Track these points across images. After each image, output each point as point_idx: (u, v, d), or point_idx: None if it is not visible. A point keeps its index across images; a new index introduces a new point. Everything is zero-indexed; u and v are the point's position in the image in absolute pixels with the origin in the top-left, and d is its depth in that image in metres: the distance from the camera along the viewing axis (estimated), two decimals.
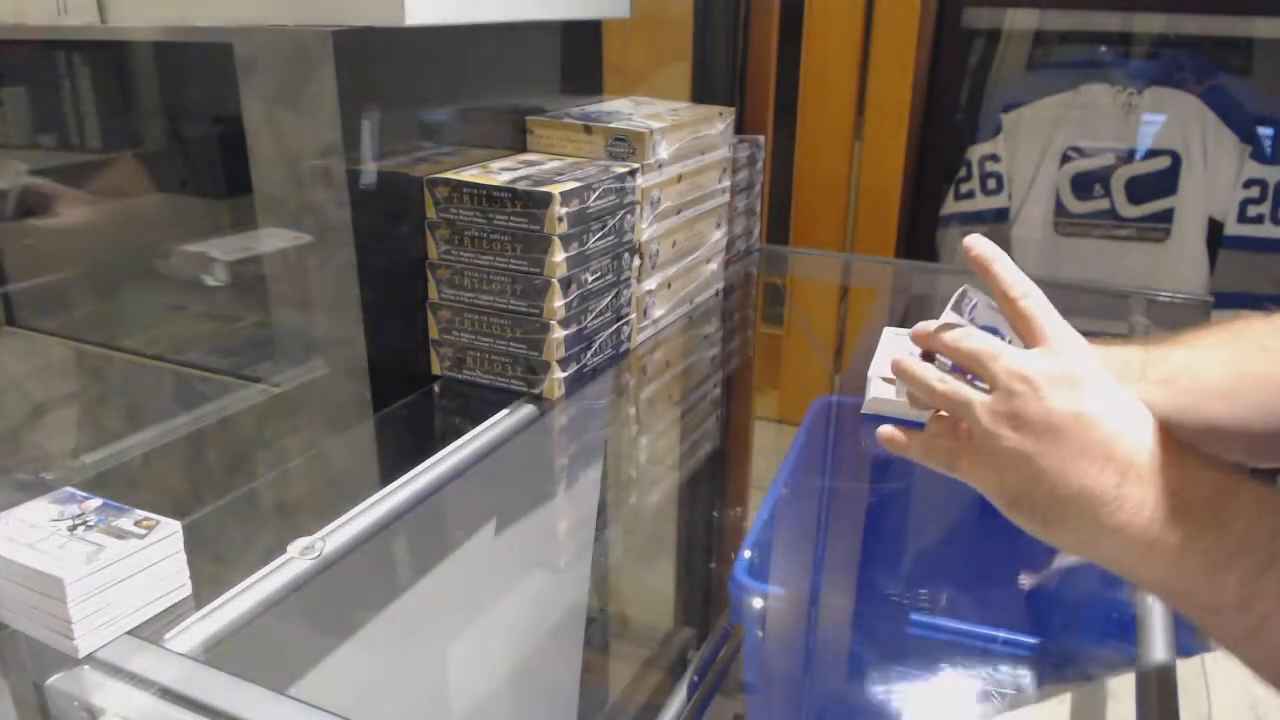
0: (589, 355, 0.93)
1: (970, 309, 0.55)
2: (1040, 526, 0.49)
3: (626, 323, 1.00)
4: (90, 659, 0.53)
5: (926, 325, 0.55)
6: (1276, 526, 0.43)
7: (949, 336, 0.53)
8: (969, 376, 0.53)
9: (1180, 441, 0.49)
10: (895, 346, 0.93)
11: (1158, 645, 0.59)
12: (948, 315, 0.55)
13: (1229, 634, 0.45)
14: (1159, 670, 0.58)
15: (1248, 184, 1.59)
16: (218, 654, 0.56)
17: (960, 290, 0.56)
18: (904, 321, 1.17)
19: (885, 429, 0.56)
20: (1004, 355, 0.50)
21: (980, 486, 0.51)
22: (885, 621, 0.80)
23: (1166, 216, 1.65)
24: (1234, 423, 0.57)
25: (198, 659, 0.55)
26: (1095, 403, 0.48)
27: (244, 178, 0.85)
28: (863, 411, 0.98)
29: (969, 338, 0.52)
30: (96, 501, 0.59)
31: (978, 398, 0.50)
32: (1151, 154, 1.64)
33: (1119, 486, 0.46)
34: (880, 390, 0.94)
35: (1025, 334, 0.52)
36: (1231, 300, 1.62)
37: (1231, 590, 0.43)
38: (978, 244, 0.53)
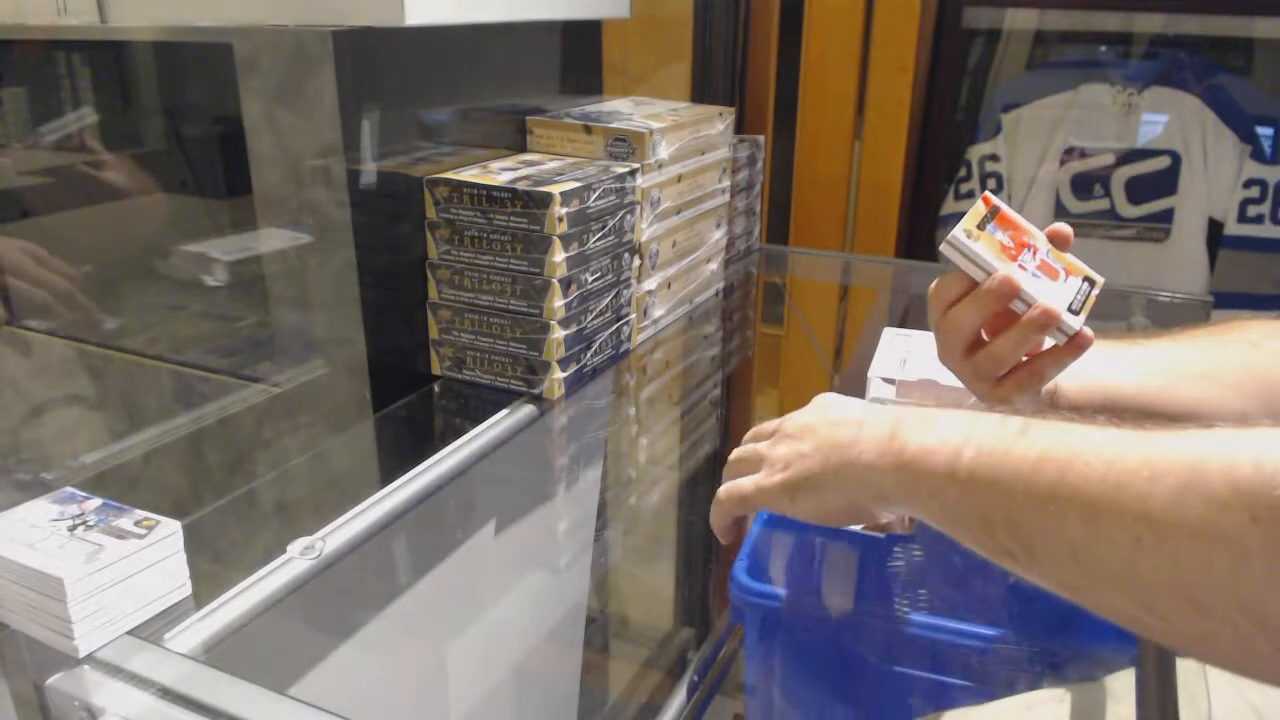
0: (589, 355, 0.93)
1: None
2: (816, 499, 0.56)
3: (626, 323, 1.00)
4: (90, 659, 0.54)
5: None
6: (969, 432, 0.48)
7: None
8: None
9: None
10: (895, 346, 0.93)
11: (1158, 645, 0.59)
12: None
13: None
14: (1159, 671, 0.58)
15: (1248, 184, 1.59)
16: (218, 654, 0.56)
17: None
18: (904, 321, 1.17)
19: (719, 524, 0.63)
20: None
21: (772, 496, 0.58)
22: (885, 621, 0.80)
23: (1166, 216, 1.65)
24: (1216, 408, 0.57)
25: (198, 659, 0.55)
26: (838, 408, 0.59)
27: (244, 178, 0.85)
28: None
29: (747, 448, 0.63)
30: (96, 501, 0.59)
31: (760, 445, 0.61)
32: (1151, 154, 1.64)
33: (859, 428, 0.54)
34: (880, 390, 0.94)
35: None
36: (1231, 300, 1.62)
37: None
38: None
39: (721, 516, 0.62)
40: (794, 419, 0.59)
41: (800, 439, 0.58)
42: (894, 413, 0.54)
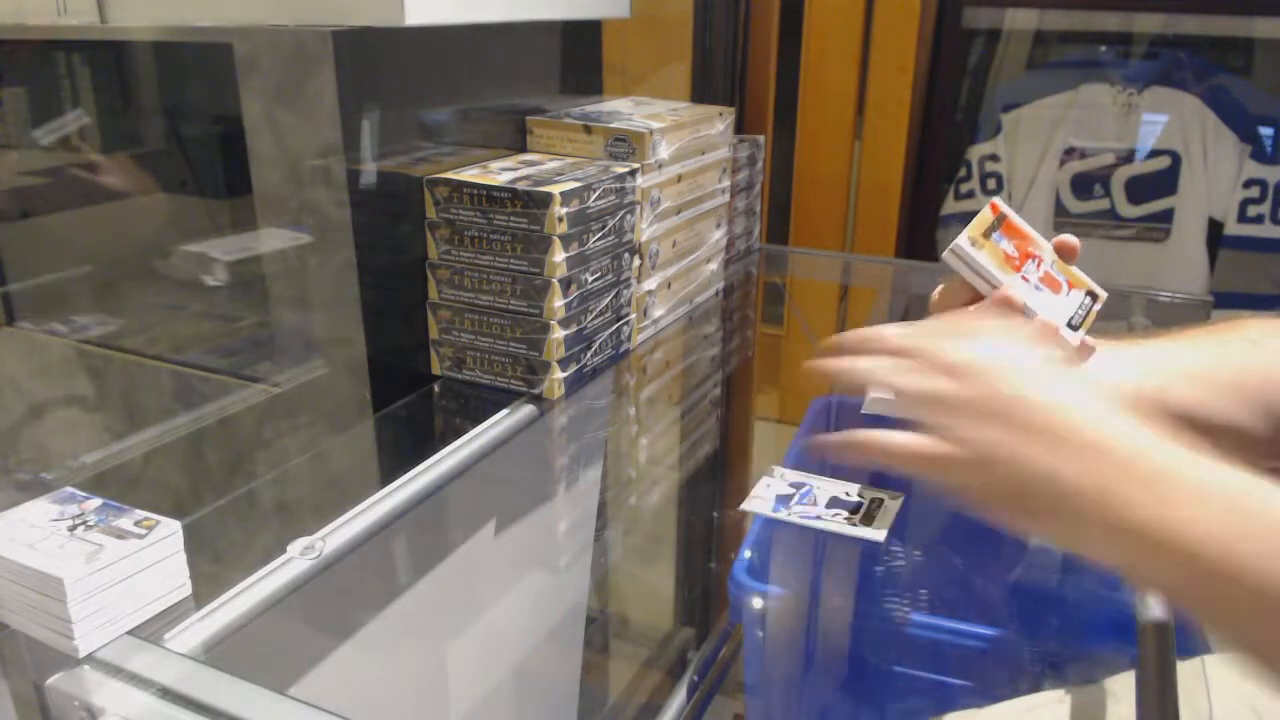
0: (589, 355, 0.93)
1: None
2: (1002, 505, 0.48)
3: (626, 323, 1.00)
4: (90, 659, 0.53)
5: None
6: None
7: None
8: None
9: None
10: None
11: (1158, 646, 0.59)
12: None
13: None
14: (1159, 672, 0.58)
15: (1248, 184, 1.59)
16: (218, 654, 0.56)
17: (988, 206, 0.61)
18: (904, 321, 1.17)
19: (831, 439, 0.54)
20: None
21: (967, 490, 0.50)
22: (885, 621, 0.80)
23: (1166, 216, 1.65)
24: (1209, 411, 0.57)
25: (198, 659, 0.55)
26: (1044, 401, 0.47)
27: (244, 178, 0.85)
28: (863, 412, 0.98)
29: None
30: (96, 501, 0.59)
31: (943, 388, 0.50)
32: (1151, 154, 1.64)
33: (1082, 457, 0.45)
34: (880, 390, 0.94)
35: None
36: (1231, 300, 1.62)
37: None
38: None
39: (868, 458, 0.54)
40: (983, 392, 0.48)
41: (999, 423, 0.47)
42: (1132, 449, 0.44)
